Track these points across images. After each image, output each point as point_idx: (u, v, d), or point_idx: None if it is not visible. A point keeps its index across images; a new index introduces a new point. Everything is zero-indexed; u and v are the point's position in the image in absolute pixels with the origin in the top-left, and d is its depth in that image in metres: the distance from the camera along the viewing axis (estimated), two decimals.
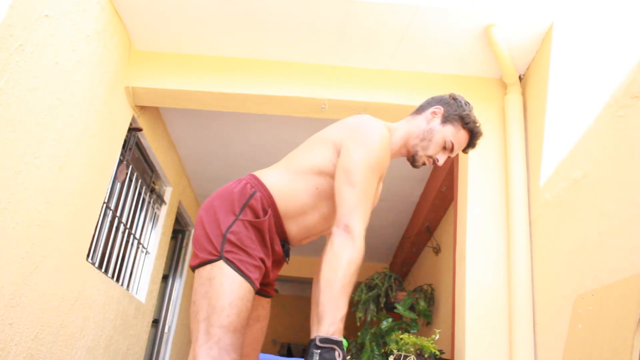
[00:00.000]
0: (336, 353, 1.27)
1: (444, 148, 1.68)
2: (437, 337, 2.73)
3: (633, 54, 1.82)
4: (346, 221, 1.45)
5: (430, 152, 1.67)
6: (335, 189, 1.51)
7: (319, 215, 1.60)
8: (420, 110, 1.74)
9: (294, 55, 3.04)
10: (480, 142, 1.76)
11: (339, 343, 1.29)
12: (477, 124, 1.71)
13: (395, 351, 2.65)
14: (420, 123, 1.70)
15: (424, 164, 1.70)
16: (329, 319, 1.31)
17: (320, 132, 1.66)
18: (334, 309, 1.32)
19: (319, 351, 1.27)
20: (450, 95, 1.73)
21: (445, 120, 1.68)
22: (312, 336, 1.36)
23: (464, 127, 1.68)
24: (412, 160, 1.70)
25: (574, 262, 2.06)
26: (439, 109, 1.70)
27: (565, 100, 2.36)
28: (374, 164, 1.52)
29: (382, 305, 4.47)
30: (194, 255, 1.48)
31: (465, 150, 1.75)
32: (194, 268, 1.47)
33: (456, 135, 1.68)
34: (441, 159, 1.69)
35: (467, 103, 1.71)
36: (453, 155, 1.72)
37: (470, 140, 1.72)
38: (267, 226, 1.51)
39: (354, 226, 1.45)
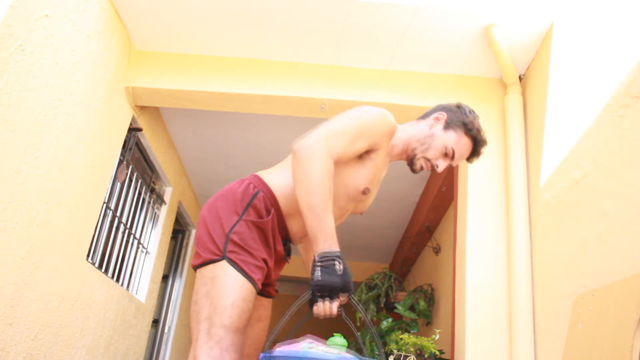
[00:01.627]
0: (336, 263, 1.33)
1: (445, 155, 1.67)
2: (437, 337, 2.73)
3: (633, 54, 1.81)
4: (309, 137, 1.44)
5: (429, 155, 1.66)
6: None
7: None
8: (424, 116, 1.75)
9: (294, 55, 3.04)
10: (484, 151, 1.73)
11: (336, 254, 1.34)
12: (481, 132, 1.69)
13: (395, 351, 2.65)
14: (422, 128, 1.70)
15: (422, 168, 1.68)
16: (321, 236, 1.36)
17: None
18: (322, 226, 1.36)
19: (319, 266, 1.33)
20: (456, 104, 1.73)
21: (448, 126, 1.67)
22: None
23: (466, 134, 1.67)
24: (411, 163, 1.69)
25: (574, 262, 2.06)
26: (442, 115, 1.69)
27: (565, 100, 2.36)
28: (365, 121, 1.54)
29: (382, 305, 4.48)
30: (197, 254, 1.48)
31: (469, 160, 1.73)
32: (196, 267, 1.47)
33: (458, 142, 1.66)
34: (441, 165, 1.67)
35: (472, 111, 1.71)
36: (455, 163, 1.70)
37: (473, 148, 1.70)
38: (270, 226, 1.51)
39: (316, 140, 1.43)
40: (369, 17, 2.68)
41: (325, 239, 1.35)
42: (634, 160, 1.73)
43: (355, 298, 1.40)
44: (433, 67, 3.02)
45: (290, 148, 1.45)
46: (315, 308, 1.34)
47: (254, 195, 1.51)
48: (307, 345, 1.28)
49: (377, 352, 3.59)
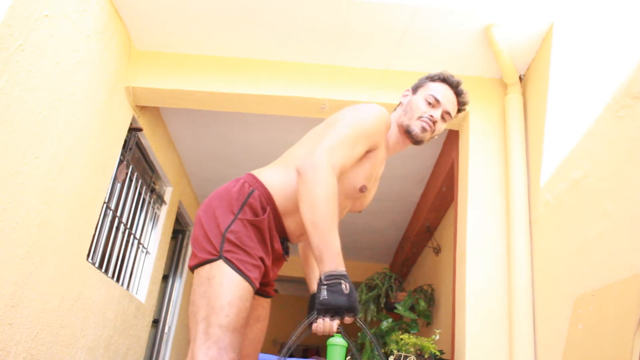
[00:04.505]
0: (342, 284, 1.30)
1: (430, 105, 1.67)
2: (437, 337, 2.73)
3: (633, 54, 1.81)
4: (313, 155, 1.42)
5: (417, 115, 1.66)
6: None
7: None
8: None
9: (295, 56, 3.04)
10: (465, 89, 1.72)
11: (343, 275, 1.32)
12: (444, 72, 1.71)
13: (395, 351, 2.65)
14: (399, 108, 1.75)
15: (424, 130, 1.65)
16: (327, 256, 1.34)
17: (317, 125, 1.67)
18: (328, 246, 1.34)
19: (325, 286, 1.30)
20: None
21: (416, 88, 1.74)
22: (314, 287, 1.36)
23: (433, 81, 1.71)
24: (410, 134, 1.66)
25: (574, 263, 2.06)
26: (408, 90, 1.76)
27: (566, 101, 2.36)
28: (363, 124, 1.54)
29: (382, 305, 4.47)
30: (193, 255, 1.48)
31: (460, 104, 1.72)
32: (192, 268, 1.47)
33: (431, 89, 1.69)
34: (435, 113, 1.66)
35: (432, 72, 1.74)
36: (447, 108, 1.67)
37: (451, 88, 1.70)
38: (267, 224, 1.51)
39: (320, 158, 1.41)
40: (369, 17, 2.68)
41: (331, 259, 1.33)
42: (634, 160, 1.73)
43: (361, 320, 1.37)
44: (433, 67, 3.00)
45: (295, 169, 1.44)
46: (314, 326, 1.32)
47: (250, 194, 1.51)
48: None
49: (377, 353, 3.59)
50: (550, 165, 2.43)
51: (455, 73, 2.97)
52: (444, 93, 1.69)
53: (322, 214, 1.36)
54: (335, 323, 1.32)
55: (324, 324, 1.32)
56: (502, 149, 2.87)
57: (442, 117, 1.68)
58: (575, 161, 2.17)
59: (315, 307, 1.31)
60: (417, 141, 1.68)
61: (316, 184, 1.38)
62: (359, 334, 4.02)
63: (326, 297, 1.29)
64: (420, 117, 1.65)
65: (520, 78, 2.92)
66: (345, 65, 3.07)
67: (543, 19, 2.62)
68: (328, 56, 3.01)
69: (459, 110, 1.74)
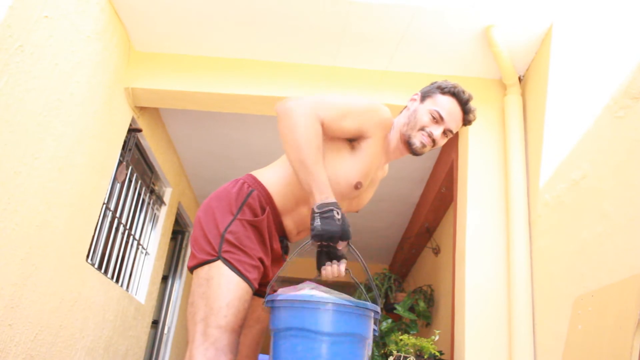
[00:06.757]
0: (334, 212, 1.36)
1: (434, 120, 1.63)
2: (437, 338, 2.73)
3: (633, 54, 1.82)
4: (293, 99, 1.47)
5: (419, 127, 1.63)
6: None
7: None
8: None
9: (294, 57, 3.04)
10: (474, 107, 1.68)
11: (334, 204, 1.37)
12: (458, 87, 1.67)
13: (394, 352, 2.65)
14: (404, 113, 1.72)
15: (423, 145, 1.63)
16: (316, 189, 1.39)
17: None
18: (315, 179, 1.40)
19: (318, 215, 1.35)
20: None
21: (424, 97, 1.69)
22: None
23: (443, 94, 1.66)
24: (409, 145, 1.65)
25: (574, 263, 2.06)
26: (417, 94, 1.72)
27: (565, 101, 2.37)
28: (356, 103, 1.57)
29: (381, 306, 4.47)
30: (192, 256, 1.48)
31: (466, 119, 1.68)
32: (192, 269, 1.47)
33: (438, 103, 1.64)
34: (435, 131, 1.63)
35: (445, 81, 1.71)
36: (449, 126, 1.64)
37: (459, 103, 1.65)
38: (266, 224, 1.51)
39: (301, 100, 1.46)
40: (368, 18, 2.68)
41: (320, 191, 1.39)
42: (633, 161, 1.73)
43: (353, 246, 1.41)
44: (433, 68, 3.03)
45: (274, 109, 1.48)
46: (323, 271, 1.39)
47: (249, 194, 1.52)
48: (308, 290, 1.31)
49: (376, 353, 3.59)
50: (549, 165, 2.43)
51: (455, 74, 3.03)
52: (450, 110, 1.64)
53: (306, 151, 1.40)
54: (342, 266, 1.38)
55: (332, 269, 1.38)
56: (501, 150, 2.87)
57: (444, 133, 1.65)
58: (574, 162, 2.17)
59: (310, 234, 1.35)
60: (415, 154, 1.67)
61: (297, 121, 1.42)
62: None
63: (320, 224, 1.33)
64: (421, 130, 1.63)
65: (519, 79, 2.92)
66: (345, 66, 3.07)
67: (542, 20, 2.62)
68: (328, 57, 3.01)
69: (463, 125, 1.71)
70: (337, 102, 1.55)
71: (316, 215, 1.35)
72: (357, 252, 1.40)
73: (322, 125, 1.48)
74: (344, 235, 1.35)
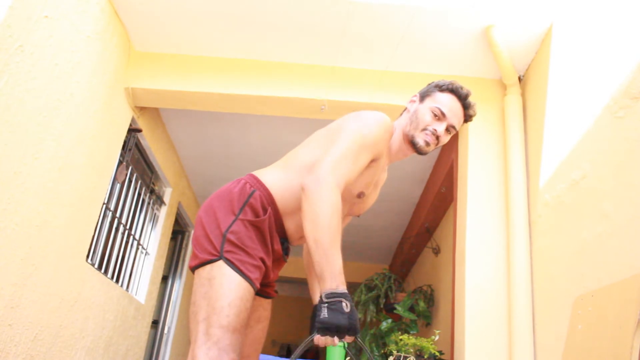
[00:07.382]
0: (343, 304, 1.29)
1: (435, 117, 1.64)
2: (437, 338, 2.73)
3: (633, 54, 1.82)
4: (317, 172, 1.41)
5: (422, 126, 1.63)
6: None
7: None
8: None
9: (294, 56, 3.04)
10: (473, 102, 1.68)
11: (344, 294, 1.30)
12: (455, 83, 1.67)
13: (394, 352, 2.65)
14: (405, 115, 1.73)
15: (427, 144, 1.63)
16: (328, 274, 1.32)
17: (321, 129, 1.67)
18: (329, 263, 1.33)
19: (326, 305, 1.29)
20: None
21: (423, 97, 1.70)
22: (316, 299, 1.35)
23: (441, 91, 1.67)
24: (414, 145, 1.65)
25: (574, 263, 2.06)
26: (415, 95, 1.73)
27: (565, 101, 2.37)
28: (366, 134, 1.52)
29: (381, 306, 4.47)
30: (194, 255, 1.48)
31: (467, 115, 1.69)
32: (193, 269, 1.47)
33: (438, 100, 1.65)
34: (439, 127, 1.63)
35: (442, 80, 1.71)
36: (452, 122, 1.65)
37: (459, 99, 1.66)
38: (268, 225, 1.51)
39: (324, 175, 1.40)
40: (368, 18, 2.68)
41: (332, 277, 1.31)
42: (633, 161, 1.73)
43: (361, 339, 1.36)
44: (432, 68, 3.03)
45: (300, 186, 1.44)
46: (316, 338, 1.32)
47: (251, 194, 1.51)
48: None
49: (376, 353, 3.60)
50: (549, 165, 2.43)
51: (455, 74, 3.02)
52: (450, 106, 1.65)
53: (325, 231, 1.34)
54: (337, 338, 1.31)
55: (325, 339, 1.31)
56: (501, 150, 2.88)
57: (447, 130, 1.66)
58: (574, 162, 2.17)
59: (316, 326, 1.30)
60: (420, 153, 1.67)
61: (320, 201, 1.37)
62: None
63: (327, 316, 1.27)
64: (424, 130, 1.64)
65: (519, 79, 2.93)
66: (345, 66, 3.07)
67: (542, 20, 2.62)
68: (328, 57, 3.01)
69: (465, 121, 1.72)
70: (349, 150, 1.48)
71: (324, 305, 1.29)
72: (365, 345, 1.34)
73: (344, 184, 1.45)
74: (352, 330, 1.29)
